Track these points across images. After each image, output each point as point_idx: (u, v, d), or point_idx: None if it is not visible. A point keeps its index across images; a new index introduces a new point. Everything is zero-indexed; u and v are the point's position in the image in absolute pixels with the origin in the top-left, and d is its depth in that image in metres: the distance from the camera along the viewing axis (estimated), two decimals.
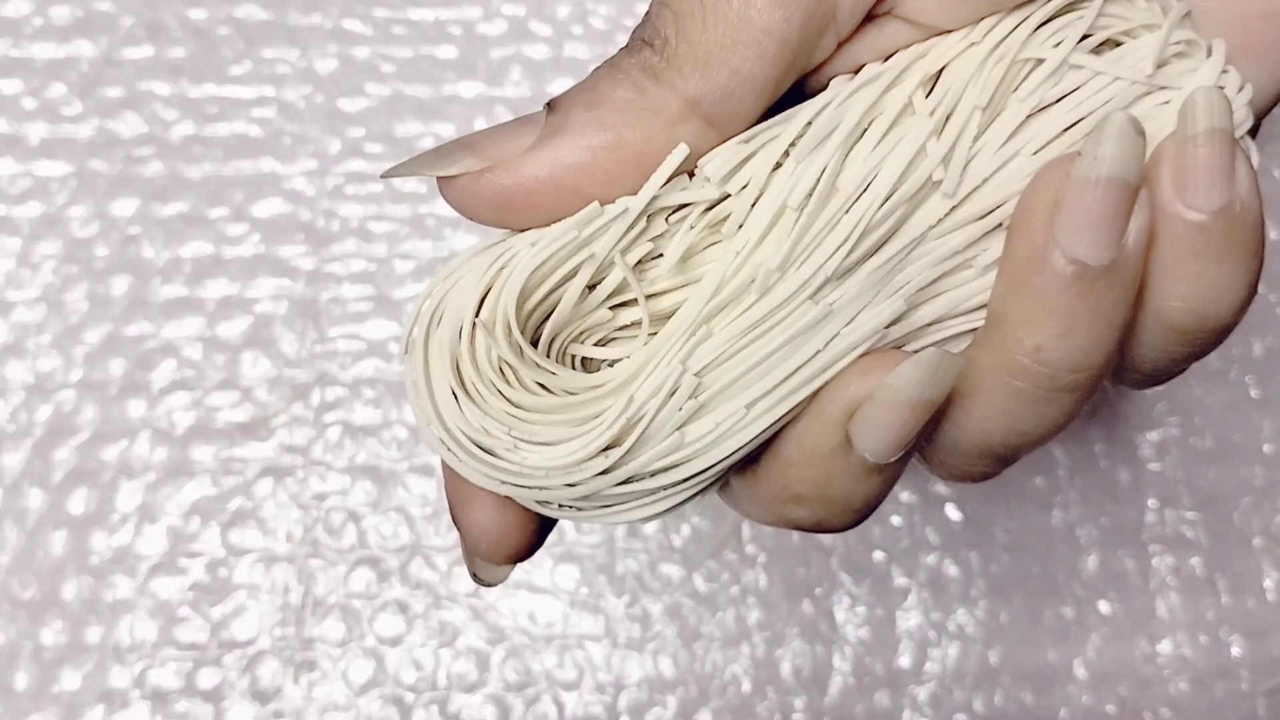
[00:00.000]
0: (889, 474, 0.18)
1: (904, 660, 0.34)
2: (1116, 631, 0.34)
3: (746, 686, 0.33)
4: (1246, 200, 0.17)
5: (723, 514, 0.34)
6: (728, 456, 0.19)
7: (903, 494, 0.35)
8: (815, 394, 0.18)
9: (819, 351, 0.18)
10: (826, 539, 0.34)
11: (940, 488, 0.35)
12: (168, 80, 0.38)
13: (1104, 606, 0.34)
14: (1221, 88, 0.18)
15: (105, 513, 0.34)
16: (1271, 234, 0.38)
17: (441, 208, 0.37)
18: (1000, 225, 0.18)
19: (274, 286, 0.36)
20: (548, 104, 0.18)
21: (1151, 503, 0.35)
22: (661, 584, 0.34)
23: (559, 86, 0.38)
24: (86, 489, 0.34)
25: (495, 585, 0.21)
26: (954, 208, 0.18)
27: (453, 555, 0.34)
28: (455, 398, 0.18)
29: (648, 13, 0.18)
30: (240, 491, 0.34)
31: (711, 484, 0.20)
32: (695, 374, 0.18)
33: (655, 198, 0.18)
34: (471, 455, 0.19)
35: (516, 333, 0.18)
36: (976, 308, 0.19)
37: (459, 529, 0.20)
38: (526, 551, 0.20)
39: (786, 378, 0.18)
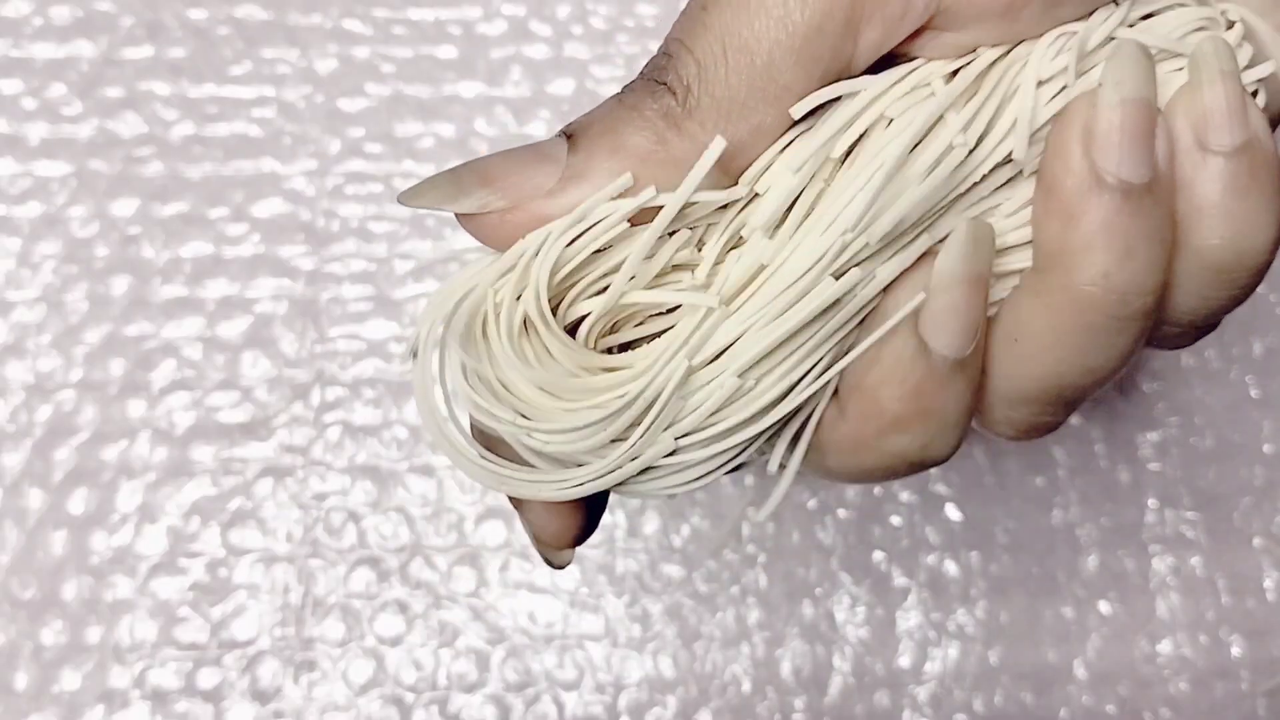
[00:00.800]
0: (970, 373, 0.19)
1: (904, 660, 0.34)
2: (1116, 631, 0.34)
3: (746, 686, 0.33)
4: (1264, 138, 0.18)
5: (721, 516, 0.34)
6: (778, 407, 0.19)
7: (902, 494, 0.35)
8: (864, 322, 0.19)
9: (851, 292, 0.18)
10: (826, 538, 0.34)
11: (940, 487, 0.35)
12: (168, 80, 0.38)
13: (1104, 606, 0.34)
14: (1223, 37, 0.19)
15: (105, 513, 0.34)
16: None
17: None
18: (1020, 173, 0.19)
19: (274, 286, 0.36)
20: (567, 135, 0.18)
21: (1151, 503, 0.35)
22: (661, 584, 0.34)
23: (559, 86, 0.38)
24: (86, 489, 0.34)
25: (565, 567, 0.21)
26: (997, 166, 0.19)
27: (453, 555, 0.34)
28: (472, 385, 0.19)
29: (666, 51, 0.18)
30: (240, 491, 0.34)
31: (762, 440, 0.20)
32: (721, 350, 0.18)
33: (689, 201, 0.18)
34: (482, 457, 0.19)
35: (544, 299, 0.18)
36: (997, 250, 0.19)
37: (522, 520, 0.20)
38: (587, 531, 0.20)
39: (823, 325, 0.18)
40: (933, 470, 0.35)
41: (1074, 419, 0.36)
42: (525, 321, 0.18)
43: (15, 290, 0.35)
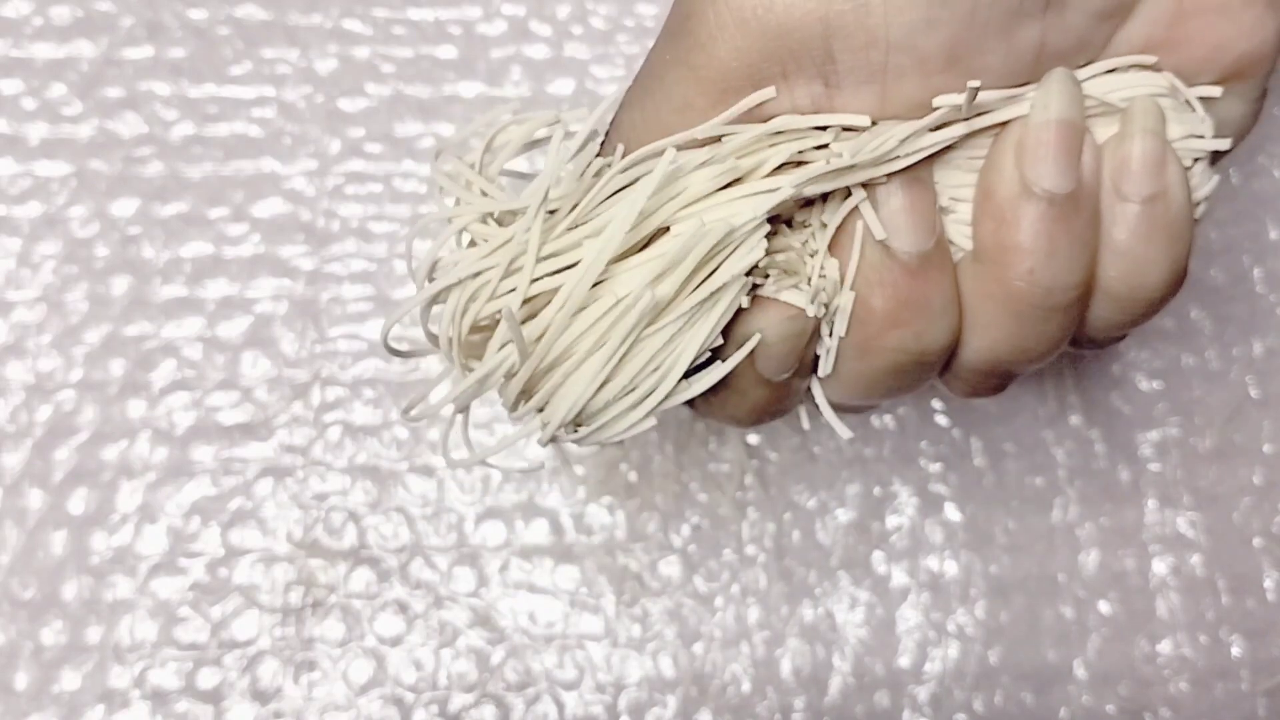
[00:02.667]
0: (939, 262, 0.21)
1: (904, 660, 0.34)
2: (1116, 631, 0.34)
3: (746, 686, 0.33)
4: (1174, 193, 0.20)
5: (722, 523, 0.35)
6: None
7: (902, 493, 0.35)
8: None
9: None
10: (825, 538, 0.34)
11: (940, 487, 0.35)
12: (168, 80, 0.38)
13: (1104, 606, 0.34)
14: (1157, 100, 0.21)
15: (105, 513, 0.34)
16: (1271, 234, 0.38)
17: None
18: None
19: (274, 286, 0.36)
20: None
21: (1151, 503, 0.35)
22: (661, 584, 0.34)
23: (559, 86, 0.38)
24: (87, 489, 0.34)
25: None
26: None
27: (453, 555, 0.34)
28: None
29: (605, 134, 0.22)
30: (240, 491, 0.34)
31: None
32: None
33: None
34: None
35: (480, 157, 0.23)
36: None
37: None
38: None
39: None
40: (933, 469, 0.35)
41: (1074, 418, 0.36)
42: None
43: (15, 290, 0.35)
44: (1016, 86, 0.20)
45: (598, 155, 0.22)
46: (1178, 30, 0.20)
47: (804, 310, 0.20)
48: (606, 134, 0.22)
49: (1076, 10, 0.20)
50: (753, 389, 0.21)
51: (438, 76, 0.38)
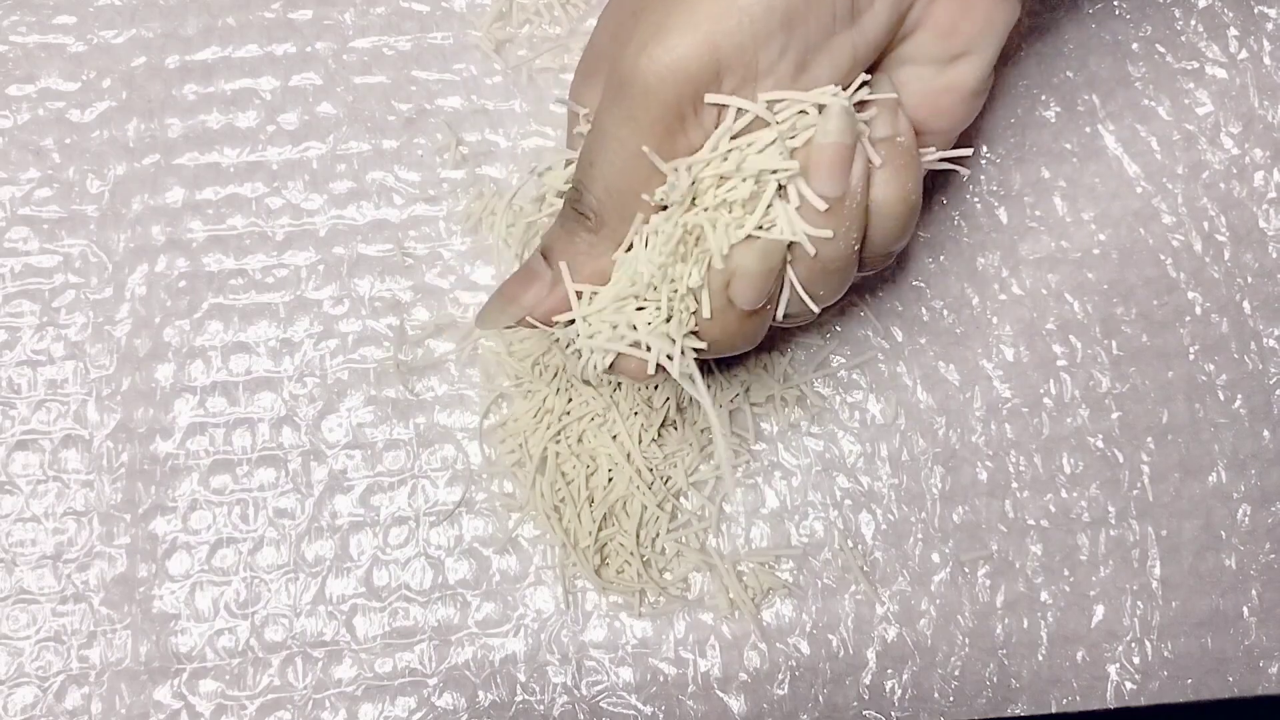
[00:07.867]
0: (763, 313, 0.28)
1: (903, 659, 0.34)
2: (1115, 630, 0.34)
3: (747, 684, 0.34)
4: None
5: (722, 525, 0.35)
6: None
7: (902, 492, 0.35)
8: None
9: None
10: (824, 537, 0.35)
11: (936, 483, 0.35)
12: (169, 79, 0.38)
13: (1103, 608, 0.34)
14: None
15: (106, 512, 0.34)
16: (1273, 230, 0.37)
17: (441, 211, 0.37)
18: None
19: (275, 286, 0.36)
20: (544, 256, 0.29)
21: (1152, 502, 0.35)
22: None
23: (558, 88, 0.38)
24: (88, 489, 0.34)
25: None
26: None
27: (454, 553, 0.34)
28: None
29: (576, 187, 0.28)
30: (240, 491, 0.34)
31: None
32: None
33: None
34: None
35: None
36: None
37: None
38: None
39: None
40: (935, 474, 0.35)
41: (1072, 419, 0.36)
42: None
43: (25, 297, 0.36)
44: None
45: (576, 209, 0.28)
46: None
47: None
48: (574, 188, 0.28)
49: (873, 20, 0.26)
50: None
51: (437, 74, 0.38)
